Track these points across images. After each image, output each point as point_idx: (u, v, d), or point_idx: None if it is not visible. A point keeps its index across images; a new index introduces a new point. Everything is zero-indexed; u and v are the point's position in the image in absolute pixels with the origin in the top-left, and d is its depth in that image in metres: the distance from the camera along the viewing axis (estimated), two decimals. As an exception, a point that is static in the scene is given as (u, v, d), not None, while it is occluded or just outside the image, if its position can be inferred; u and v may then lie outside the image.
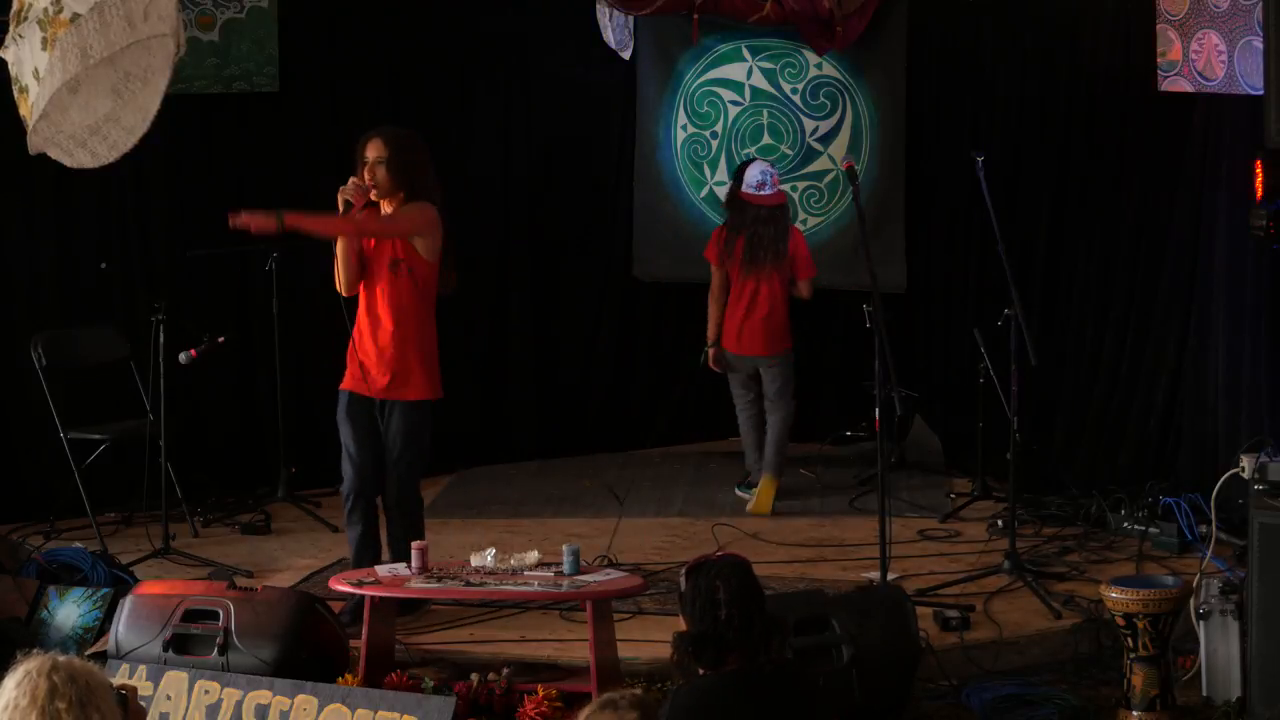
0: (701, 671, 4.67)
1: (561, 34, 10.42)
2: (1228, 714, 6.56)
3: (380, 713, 6.20)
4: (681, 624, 4.79)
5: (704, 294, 9.40)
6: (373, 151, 7.43)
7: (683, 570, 4.86)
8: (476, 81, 10.36)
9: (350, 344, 7.54)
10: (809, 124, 10.33)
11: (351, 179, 7.40)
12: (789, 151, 10.36)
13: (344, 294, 7.50)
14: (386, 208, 7.47)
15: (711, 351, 9.34)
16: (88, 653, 6.87)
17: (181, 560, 8.37)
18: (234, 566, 8.21)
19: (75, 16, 6.04)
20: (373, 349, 7.47)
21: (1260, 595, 6.40)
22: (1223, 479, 7.01)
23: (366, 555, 7.51)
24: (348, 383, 7.56)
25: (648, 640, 6.97)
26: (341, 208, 7.36)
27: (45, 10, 6.10)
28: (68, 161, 6.46)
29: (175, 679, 6.52)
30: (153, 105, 6.33)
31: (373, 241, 7.47)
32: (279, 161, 9.63)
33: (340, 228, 7.39)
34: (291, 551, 8.56)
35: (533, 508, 9.46)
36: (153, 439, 8.69)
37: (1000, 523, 8.55)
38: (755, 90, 10.43)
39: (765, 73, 10.41)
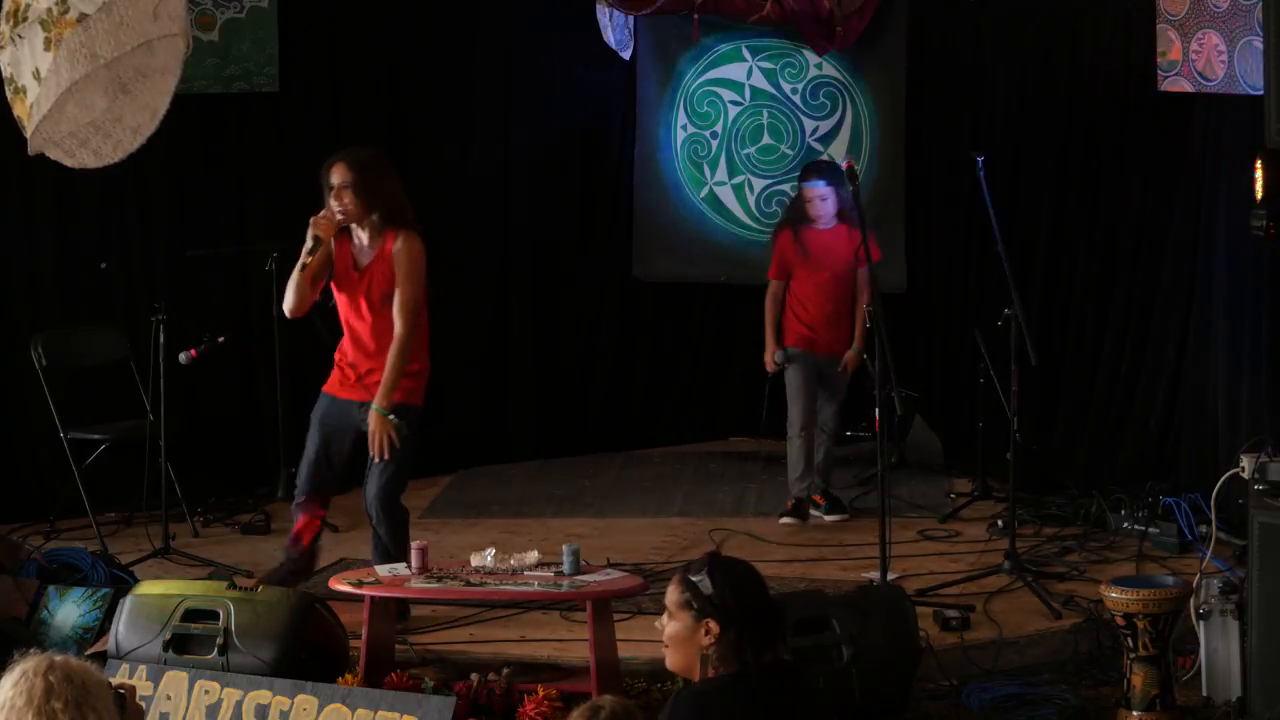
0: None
1: (562, 34, 10.41)
2: (1228, 714, 6.56)
3: (380, 713, 6.20)
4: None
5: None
6: (337, 176, 7.24)
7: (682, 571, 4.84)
8: (476, 81, 10.35)
9: (339, 347, 7.53)
10: (809, 124, 10.33)
11: (323, 210, 7.26)
12: (789, 151, 10.35)
13: (290, 316, 7.43)
14: (361, 232, 7.30)
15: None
16: (88, 653, 6.87)
17: (181, 560, 8.37)
18: (234, 566, 8.21)
19: (83, 17, 6.04)
20: (360, 360, 7.41)
21: (1260, 595, 6.40)
22: (1223, 479, 7.01)
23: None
24: (329, 386, 7.54)
25: (648, 640, 6.93)
26: (310, 243, 7.21)
27: (49, 10, 6.09)
28: (69, 161, 6.45)
29: (175, 679, 6.52)
30: (161, 105, 6.33)
31: (354, 274, 7.31)
32: (279, 161, 9.62)
33: (402, 351, 7.20)
34: (291, 552, 8.57)
35: (533, 508, 9.45)
36: (153, 439, 8.69)
37: (1000, 523, 8.55)
38: (755, 90, 10.42)
39: (765, 73, 10.40)
